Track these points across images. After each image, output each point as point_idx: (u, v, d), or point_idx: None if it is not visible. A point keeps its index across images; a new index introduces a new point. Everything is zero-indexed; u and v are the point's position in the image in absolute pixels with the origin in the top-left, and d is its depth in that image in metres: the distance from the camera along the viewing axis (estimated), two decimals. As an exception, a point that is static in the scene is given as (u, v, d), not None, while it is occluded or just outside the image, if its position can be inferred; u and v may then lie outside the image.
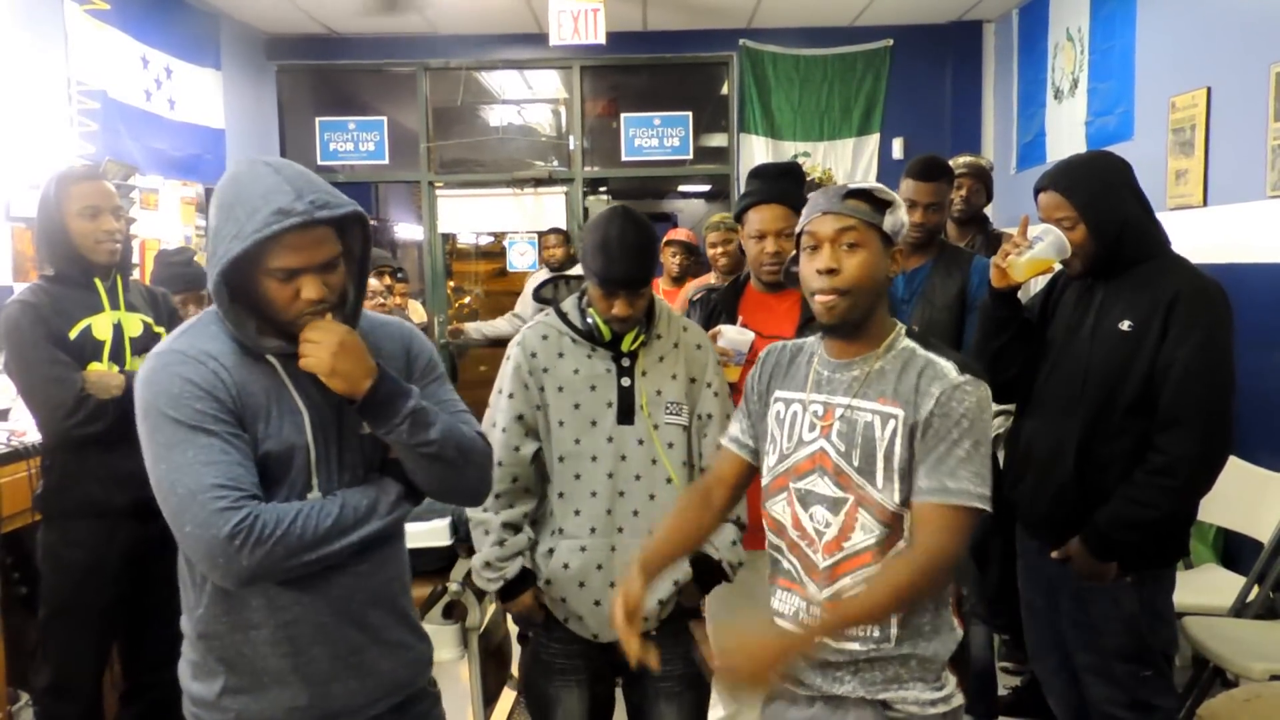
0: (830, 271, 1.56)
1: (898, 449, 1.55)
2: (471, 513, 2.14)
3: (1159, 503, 2.05)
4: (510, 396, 2.11)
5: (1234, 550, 3.46)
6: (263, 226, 1.37)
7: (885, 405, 1.57)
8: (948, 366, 1.57)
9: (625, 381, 2.11)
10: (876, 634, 1.57)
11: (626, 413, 2.11)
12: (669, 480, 2.11)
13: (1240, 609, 2.94)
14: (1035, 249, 2.16)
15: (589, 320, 2.12)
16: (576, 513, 2.09)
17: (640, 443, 2.10)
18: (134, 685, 2.79)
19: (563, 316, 2.16)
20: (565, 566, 2.09)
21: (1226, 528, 3.34)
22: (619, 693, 2.29)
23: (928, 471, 1.53)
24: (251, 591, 1.47)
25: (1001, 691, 3.14)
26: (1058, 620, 2.29)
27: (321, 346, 1.43)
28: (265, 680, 1.50)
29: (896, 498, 1.56)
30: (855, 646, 1.58)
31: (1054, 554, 2.21)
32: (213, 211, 1.44)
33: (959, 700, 1.62)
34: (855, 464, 1.57)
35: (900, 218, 1.62)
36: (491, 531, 2.10)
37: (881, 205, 1.59)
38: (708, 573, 2.12)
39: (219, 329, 1.49)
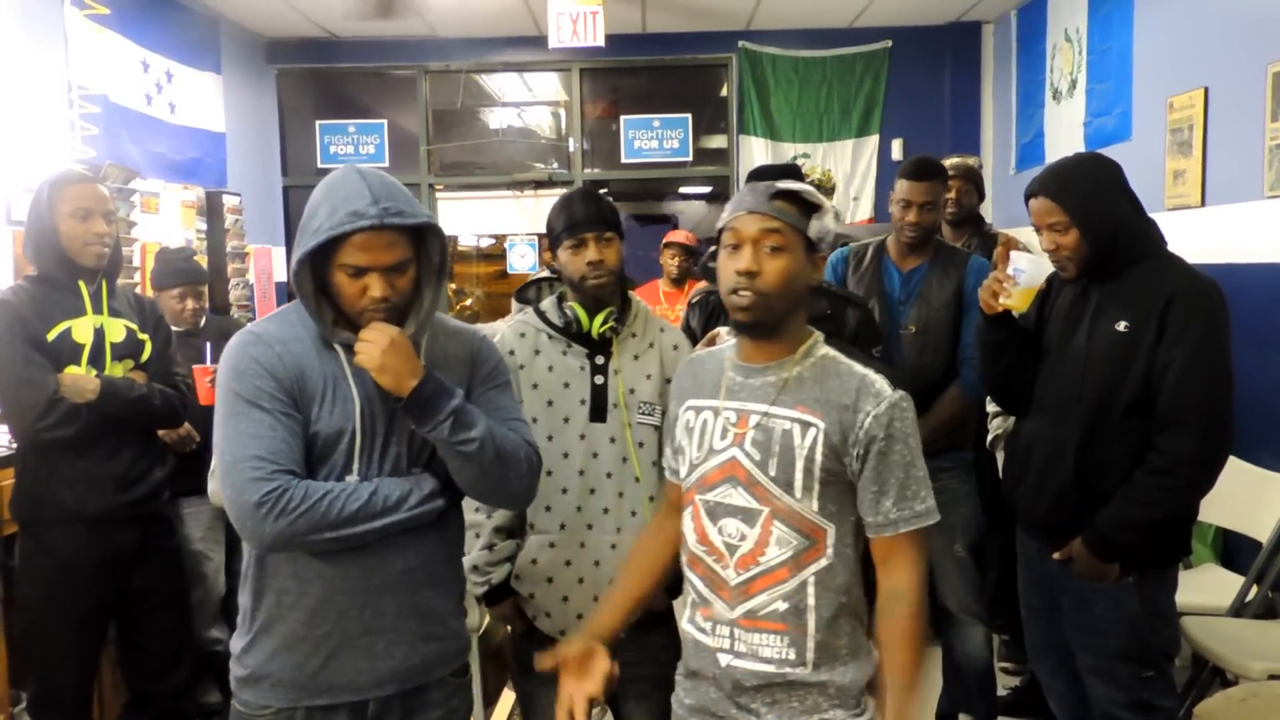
0: (749, 274, 1.51)
1: (819, 458, 1.50)
2: (466, 515, 2.14)
3: (1160, 503, 2.06)
4: None
5: (1233, 550, 3.46)
6: (337, 225, 1.52)
7: (805, 414, 1.52)
8: (879, 381, 1.52)
9: (599, 380, 2.13)
10: (792, 656, 1.53)
11: (599, 410, 2.12)
12: (637, 479, 2.12)
13: (1239, 608, 2.94)
14: (1022, 281, 2.19)
15: (567, 313, 2.14)
16: (547, 509, 2.11)
17: (612, 440, 2.12)
18: (137, 695, 2.78)
19: (541, 315, 2.19)
20: (534, 562, 2.11)
21: (1225, 527, 3.34)
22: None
23: (896, 502, 1.50)
24: (282, 559, 1.61)
25: (1001, 692, 3.14)
26: (1058, 621, 2.29)
27: (374, 345, 1.55)
28: (280, 643, 1.62)
29: (815, 506, 1.52)
30: (770, 669, 1.53)
31: (1055, 555, 2.21)
32: (306, 208, 1.59)
33: None
34: (771, 473, 1.52)
35: (827, 224, 1.56)
36: (482, 535, 2.13)
37: (809, 209, 1.55)
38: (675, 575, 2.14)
39: (297, 318, 1.64)
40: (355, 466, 1.61)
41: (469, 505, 2.12)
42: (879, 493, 1.51)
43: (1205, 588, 3.12)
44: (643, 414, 2.14)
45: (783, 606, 1.53)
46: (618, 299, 2.17)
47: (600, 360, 2.14)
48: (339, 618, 1.61)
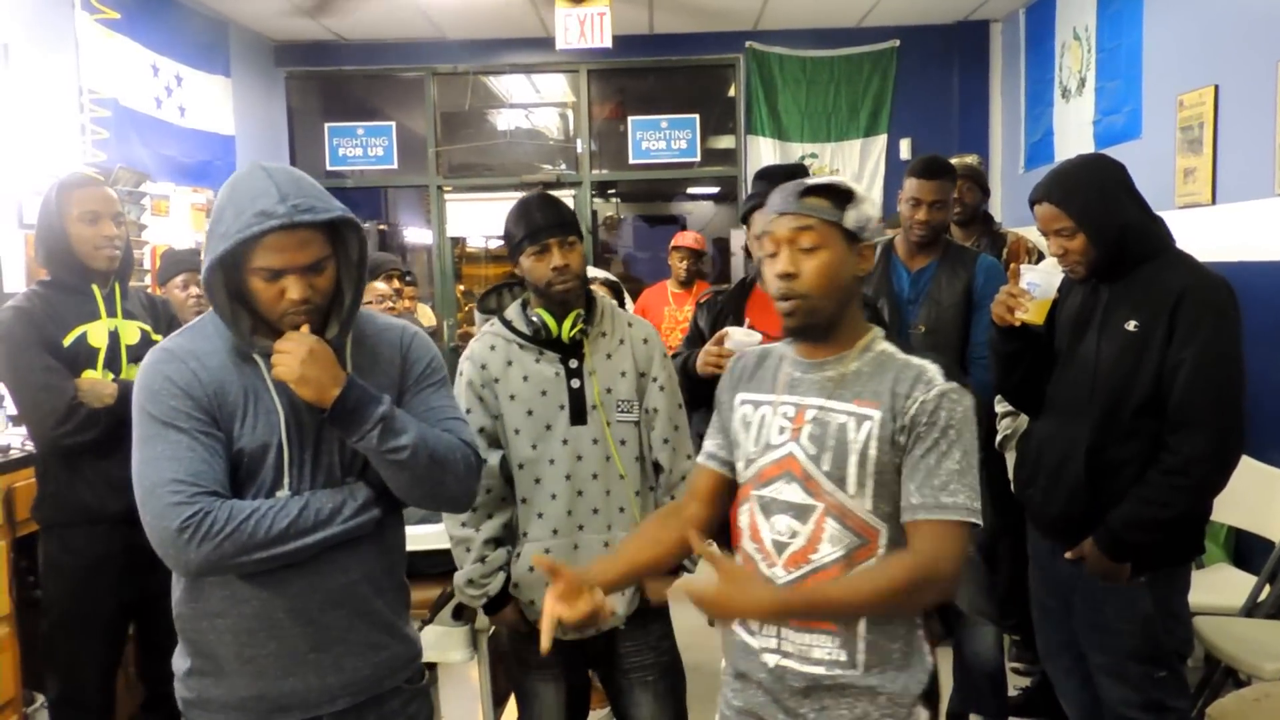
0: (788, 276, 1.50)
1: (872, 451, 1.47)
2: (452, 530, 2.17)
3: (1173, 502, 2.05)
4: (468, 412, 2.12)
5: (1245, 549, 3.45)
6: (245, 227, 1.43)
7: (861, 406, 1.49)
8: (932, 370, 1.49)
9: (575, 383, 2.14)
10: (843, 657, 1.49)
11: (579, 414, 2.14)
12: (621, 476, 2.15)
13: (1251, 608, 2.93)
14: (1037, 294, 2.19)
15: (534, 321, 2.14)
16: (539, 516, 2.13)
17: (595, 442, 2.15)
18: (153, 694, 2.79)
19: (507, 324, 2.18)
20: (531, 569, 2.12)
21: (1237, 527, 3.33)
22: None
23: (919, 486, 1.45)
24: (216, 582, 1.54)
25: (1012, 692, 3.13)
26: (1070, 621, 2.28)
27: (291, 356, 1.48)
28: (224, 667, 1.57)
29: (868, 505, 1.48)
30: (820, 671, 1.50)
31: (1068, 555, 2.20)
32: (212, 211, 1.52)
33: None
34: (825, 468, 1.49)
35: (865, 211, 1.53)
36: (473, 549, 2.14)
37: (843, 200, 1.52)
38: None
39: (214, 330, 1.56)
40: (285, 481, 1.54)
41: (455, 520, 2.14)
42: (906, 476, 1.47)
43: (1217, 587, 3.11)
44: (621, 412, 2.17)
45: None
46: (582, 300, 2.17)
47: (574, 364, 2.15)
48: (282, 636, 1.55)
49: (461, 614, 2.52)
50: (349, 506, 1.56)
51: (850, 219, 1.51)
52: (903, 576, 1.42)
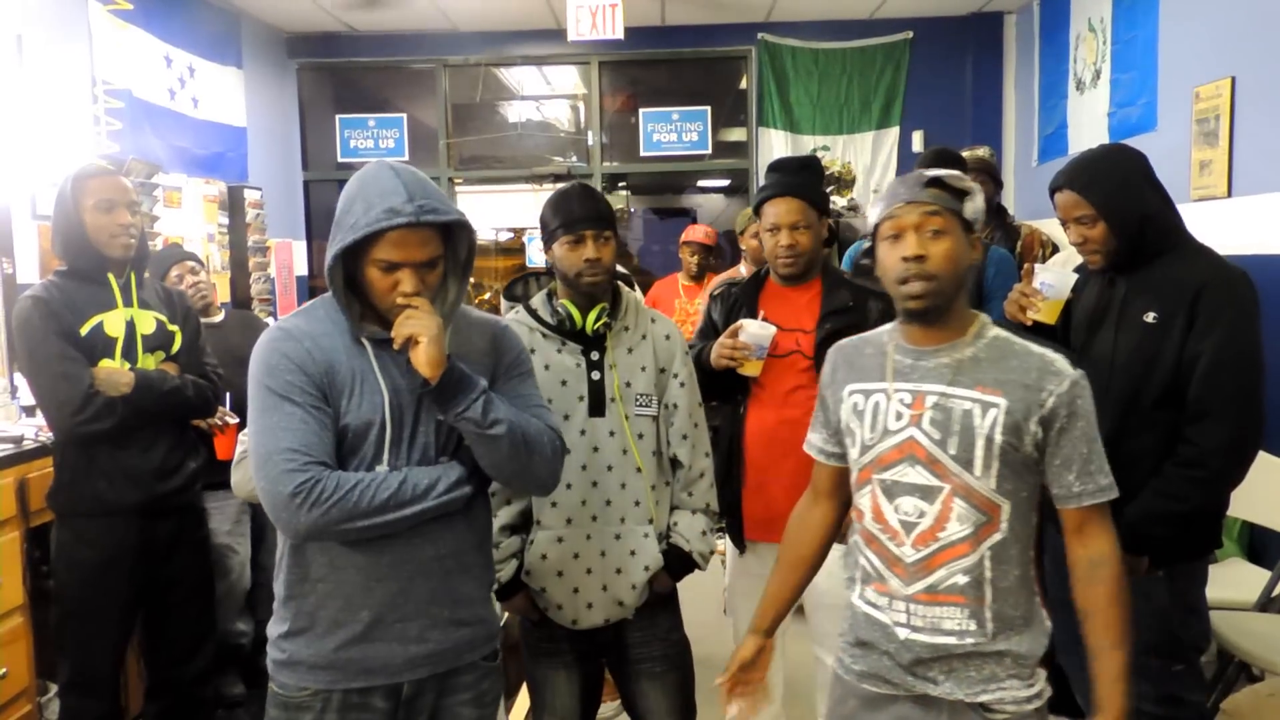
0: (918, 258, 1.55)
1: (998, 437, 1.53)
2: None
3: (1190, 495, 2.04)
4: None
5: (1259, 545, 3.43)
6: (374, 221, 1.55)
7: (985, 394, 1.55)
8: (1059, 360, 1.56)
9: (595, 375, 2.15)
10: (973, 626, 1.56)
11: (598, 405, 2.15)
12: (638, 470, 2.16)
13: (1266, 603, 2.91)
14: (1050, 295, 2.20)
15: (559, 311, 2.15)
16: (553, 505, 2.14)
17: (612, 434, 2.15)
18: (157, 681, 2.81)
19: (532, 313, 2.20)
20: (544, 557, 2.14)
21: (1252, 522, 3.31)
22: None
23: (1079, 475, 1.55)
24: (317, 549, 1.65)
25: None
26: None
27: (426, 316, 1.59)
28: (318, 629, 1.67)
29: (992, 484, 1.55)
30: (950, 641, 1.56)
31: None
32: (340, 203, 1.62)
33: (1049, 693, 1.62)
34: (951, 451, 1.55)
35: (978, 205, 1.61)
36: None
37: (960, 194, 1.60)
38: (678, 562, 2.19)
39: (326, 313, 1.68)
40: (385, 457, 1.65)
41: None
42: (1062, 466, 1.56)
43: (1231, 582, 3.09)
44: (640, 406, 2.17)
45: (963, 580, 1.56)
46: (609, 293, 2.19)
47: (595, 355, 2.16)
48: (373, 603, 1.66)
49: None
50: (443, 483, 1.65)
51: (968, 210, 1.60)
52: (1120, 584, 1.58)
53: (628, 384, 2.16)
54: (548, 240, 2.17)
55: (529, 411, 1.75)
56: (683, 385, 2.23)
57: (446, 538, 1.70)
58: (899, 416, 1.60)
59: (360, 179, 1.62)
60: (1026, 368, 1.55)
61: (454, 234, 1.68)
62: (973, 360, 1.58)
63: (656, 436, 2.20)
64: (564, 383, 2.15)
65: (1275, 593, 2.92)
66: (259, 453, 1.59)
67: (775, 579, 1.83)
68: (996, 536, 1.56)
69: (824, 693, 2.60)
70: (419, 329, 1.57)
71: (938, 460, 1.56)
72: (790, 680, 2.72)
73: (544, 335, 2.17)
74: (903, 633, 1.59)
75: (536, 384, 1.85)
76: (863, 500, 1.66)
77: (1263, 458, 2.98)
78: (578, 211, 2.11)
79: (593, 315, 2.14)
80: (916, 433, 1.58)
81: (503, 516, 2.16)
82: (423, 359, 1.58)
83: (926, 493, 1.57)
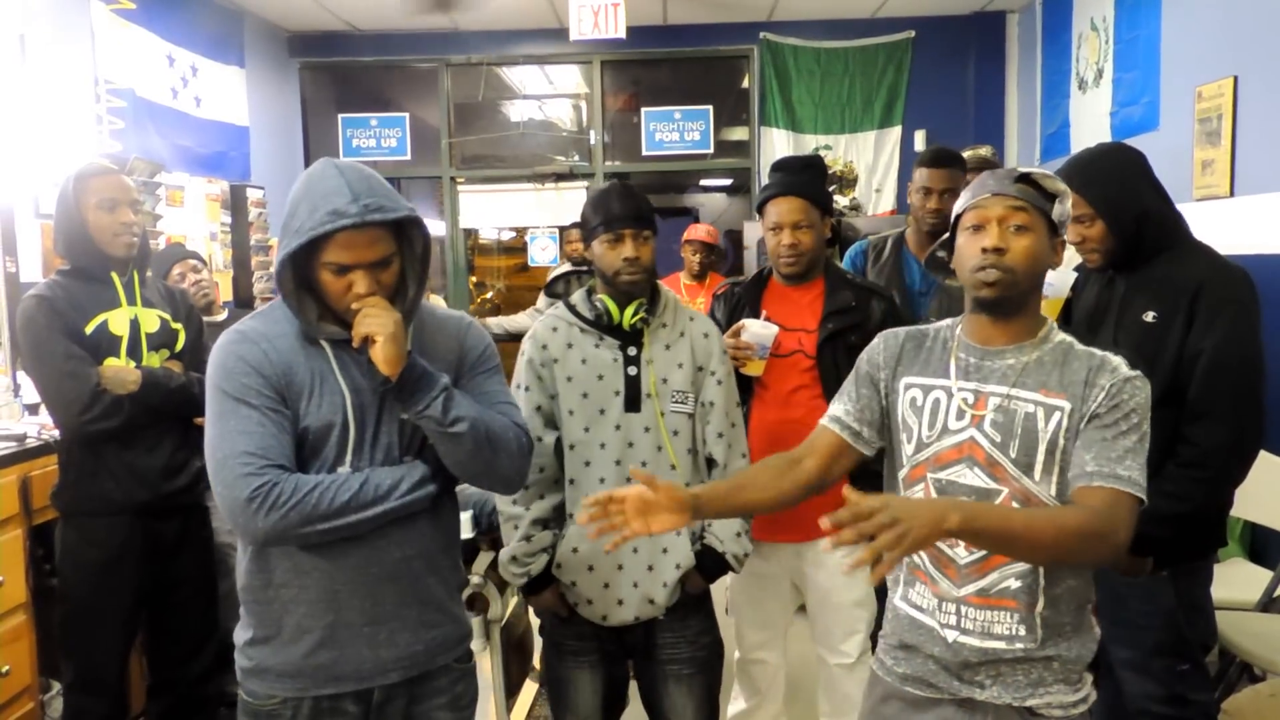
0: (997, 250, 1.52)
1: (1061, 440, 1.51)
2: (503, 507, 2.19)
3: (1192, 495, 2.03)
4: (526, 389, 2.17)
5: (1261, 544, 3.43)
6: (318, 225, 1.51)
7: (1049, 397, 1.52)
8: (1117, 361, 1.53)
9: (632, 370, 2.15)
10: (1023, 632, 1.53)
11: (633, 401, 2.15)
12: (673, 467, 2.15)
13: (1267, 603, 2.91)
14: (1049, 294, 2.19)
15: (597, 306, 2.16)
16: (586, 498, 2.12)
17: (647, 430, 2.15)
18: (159, 680, 2.81)
19: (571, 308, 2.21)
20: (575, 551, 2.14)
21: (1254, 522, 3.31)
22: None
23: (1095, 456, 1.47)
24: (280, 554, 1.63)
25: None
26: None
27: (383, 313, 1.56)
28: (284, 636, 1.65)
29: (1053, 490, 1.52)
30: (1000, 645, 1.54)
31: None
32: (287, 205, 1.59)
33: (1094, 697, 1.60)
34: (1012, 455, 1.52)
35: (1067, 209, 1.58)
36: (520, 526, 2.15)
37: (1050, 195, 1.56)
38: (711, 562, 2.18)
39: (282, 315, 1.66)
40: (347, 458, 1.63)
41: (506, 498, 2.15)
42: (1082, 447, 1.49)
43: (1233, 582, 3.09)
44: (676, 403, 2.17)
45: (1015, 584, 1.53)
46: (647, 291, 2.19)
47: (633, 351, 2.16)
48: (340, 608, 1.64)
49: (474, 604, 2.53)
50: (406, 482, 1.63)
51: (1056, 212, 1.56)
52: (1079, 522, 1.41)
53: (664, 380, 2.16)
54: (587, 238, 2.20)
55: (495, 408, 1.72)
56: (720, 383, 2.21)
57: (413, 539, 1.67)
58: (960, 415, 1.57)
59: (306, 180, 1.58)
60: (1086, 367, 1.53)
61: (406, 229, 1.64)
62: (1038, 363, 1.55)
63: (692, 434, 2.19)
64: (600, 377, 2.15)
65: (1277, 593, 2.92)
66: (215, 457, 1.56)
67: (736, 481, 1.72)
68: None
69: (824, 692, 2.62)
70: (376, 327, 1.55)
71: (998, 463, 1.53)
72: (790, 680, 2.72)
73: (581, 330, 2.18)
74: (951, 635, 1.57)
75: (504, 380, 1.83)
76: (916, 498, 1.61)
77: (1264, 457, 2.98)
78: (617, 210, 2.12)
79: (630, 310, 2.15)
80: (977, 434, 1.55)
81: (535, 510, 2.15)
82: (381, 356, 1.56)
83: (983, 495, 1.53)
